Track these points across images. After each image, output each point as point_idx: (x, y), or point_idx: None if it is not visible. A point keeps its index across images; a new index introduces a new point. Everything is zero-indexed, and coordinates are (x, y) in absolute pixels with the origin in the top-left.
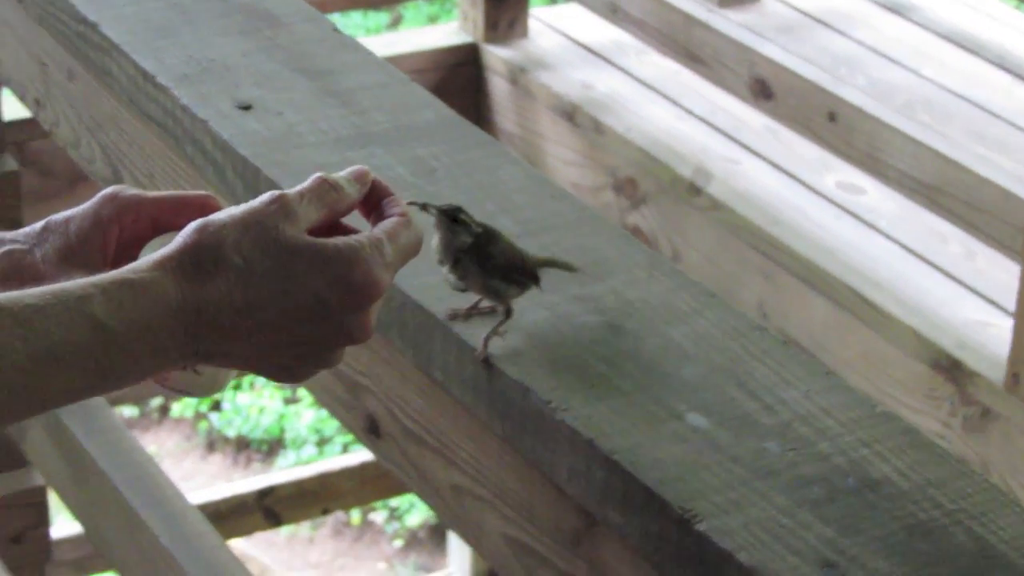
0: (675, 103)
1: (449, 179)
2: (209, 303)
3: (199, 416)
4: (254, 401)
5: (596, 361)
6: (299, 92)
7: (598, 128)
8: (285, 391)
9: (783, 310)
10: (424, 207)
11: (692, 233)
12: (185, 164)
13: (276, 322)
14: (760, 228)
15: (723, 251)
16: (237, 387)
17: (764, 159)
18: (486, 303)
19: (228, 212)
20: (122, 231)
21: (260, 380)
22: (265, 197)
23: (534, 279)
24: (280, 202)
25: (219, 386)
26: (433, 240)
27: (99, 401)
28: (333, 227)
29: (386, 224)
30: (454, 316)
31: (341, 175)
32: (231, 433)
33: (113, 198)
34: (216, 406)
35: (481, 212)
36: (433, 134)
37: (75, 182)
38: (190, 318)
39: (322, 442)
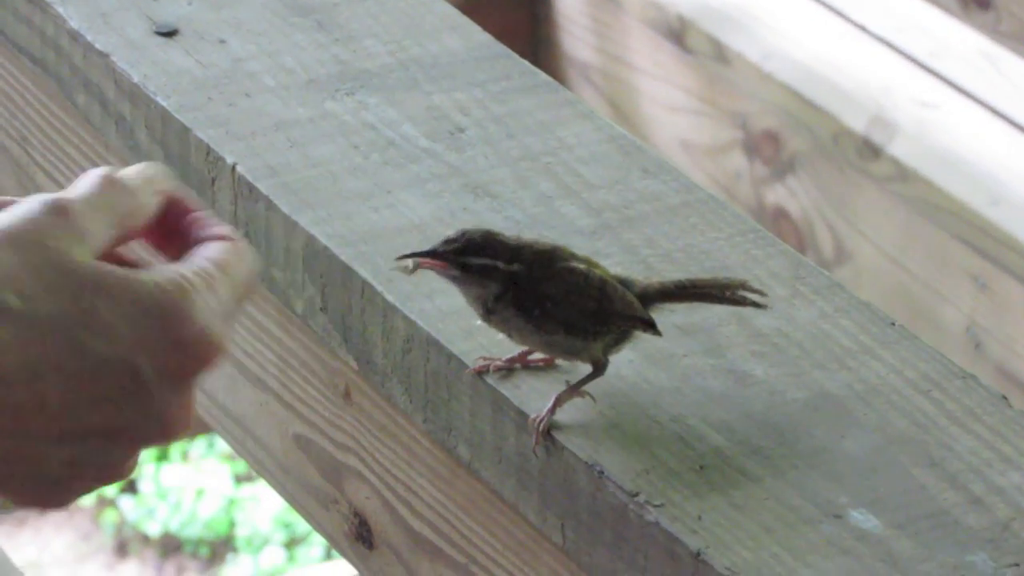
0: (841, 15)
1: (483, 143)
2: None
3: (104, 503)
4: (189, 479)
5: (709, 429)
6: (251, 8)
7: (721, 55)
8: (236, 464)
9: (1007, 337)
10: (407, 258)
11: (866, 217)
12: (75, 121)
13: (59, 398)
14: (972, 209)
15: (913, 245)
16: (162, 457)
17: (978, 101)
18: (539, 355)
19: None
20: None
21: (196, 449)
22: (37, 205)
23: (643, 324)
24: (64, 213)
25: None
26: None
27: None
28: (110, 259)
29: (211, 251)
30: (484, 370)
31: (131, 175)
32: (154, 529)
33: None
34: (130, 487)
35: (533, 194)
36: (459, 72)
37: None
38: None
39: (293, 542)
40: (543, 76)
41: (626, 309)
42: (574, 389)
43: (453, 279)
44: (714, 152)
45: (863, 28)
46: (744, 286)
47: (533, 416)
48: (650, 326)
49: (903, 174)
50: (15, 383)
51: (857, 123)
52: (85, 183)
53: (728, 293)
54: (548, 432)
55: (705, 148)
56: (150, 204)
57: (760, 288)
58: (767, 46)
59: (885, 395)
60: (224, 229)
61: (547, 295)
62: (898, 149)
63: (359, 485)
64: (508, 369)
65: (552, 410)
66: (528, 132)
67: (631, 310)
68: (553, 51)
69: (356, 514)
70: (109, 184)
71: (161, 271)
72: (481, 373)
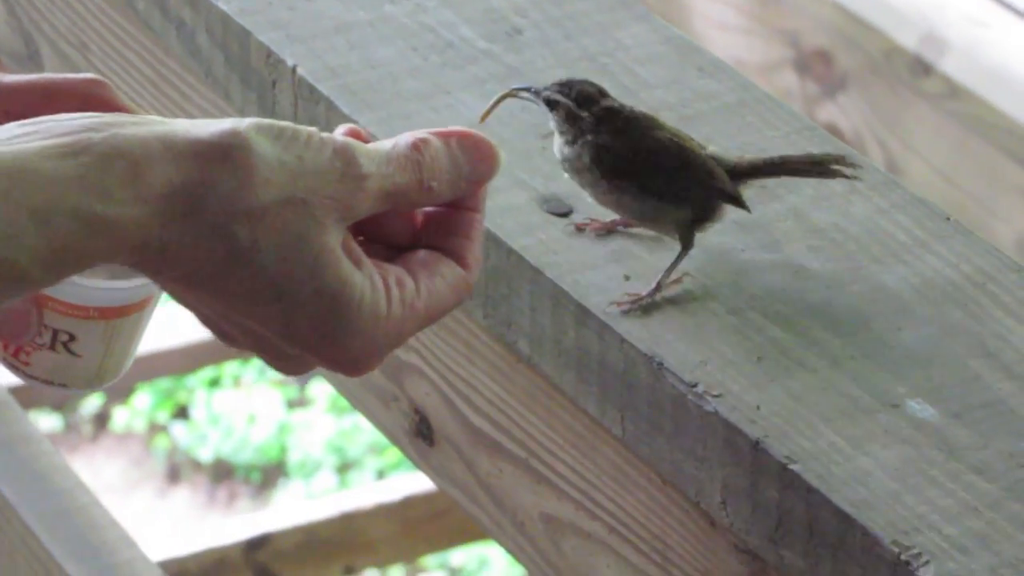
0: None
1: (541, 45)
2: (176, 257)
3: (156, 428)
4: (240, 405)
5: (766, 321)
6: None
7: None
8: (288, 388)
9: None
10: (521, 93)
11: (917, 134)
12: (136, 28)
13: (227, 315)
14: (1022, 125)
15: (964, 161)
16: (214, 383)
17: None
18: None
19: (268, 134)
20: None
21: (248, 375)
22: (334, 150)
23: (727, 196)
24: (352, 179)
25: (109, 374)
26: (555, 142)
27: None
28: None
29: (438, 285)
30: (583, 228)
31: (443, 163)
32: (206, 454)
33: None
34: (182, 413)
35: None
36: None
37: None
38: (144, 255)
39: (345, 467)
40: None
41: (707, 177)
42: (669, 273)
43: (563, 121)
44: (765, 70)
45: None
46: (839, 161)
47: (612, 302)
48: (734, 199)
49: (954, 91)
50: (196, 285)
51: (908, 40)
52: (396, 144)
53: (821, 168)
54: (637, 309)
55: (756, 66)
56: (446, 196)
57: (855, 163)
58: None
59: (941, 288)
60: (472, 253)
61: (625, 151)
62: (949, 66)
63: (419, 382)
64: (608, 231)
65: (653, 293)
66: (585, 33)
67: (713, 179)
68: None
69: (416, 411)
70: (416, 170)
71: (375, 279)
72: (580, 230)
